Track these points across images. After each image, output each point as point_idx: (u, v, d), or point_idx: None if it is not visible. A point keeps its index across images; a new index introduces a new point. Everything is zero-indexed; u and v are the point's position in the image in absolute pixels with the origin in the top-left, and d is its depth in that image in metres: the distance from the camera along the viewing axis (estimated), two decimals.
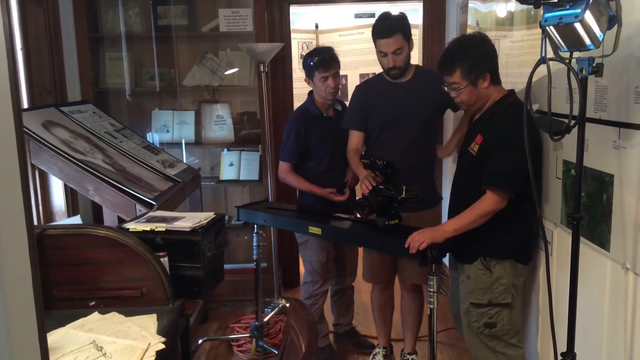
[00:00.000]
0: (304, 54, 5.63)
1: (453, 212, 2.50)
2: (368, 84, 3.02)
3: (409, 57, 2.76)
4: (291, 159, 3.09)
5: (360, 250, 3.32)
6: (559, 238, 2.20)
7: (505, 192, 2.17)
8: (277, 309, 3.62)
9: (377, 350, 3.17)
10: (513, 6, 2.67)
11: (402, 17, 2.74)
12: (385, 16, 2.73)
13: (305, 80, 3.11)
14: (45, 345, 0.74)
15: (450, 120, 3.60)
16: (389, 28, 2.66)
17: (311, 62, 3.00)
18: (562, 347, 1.79)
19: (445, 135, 3.62)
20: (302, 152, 3.08)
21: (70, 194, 3.22)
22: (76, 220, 3.12)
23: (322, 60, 2.98)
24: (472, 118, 2.46)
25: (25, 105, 3.23)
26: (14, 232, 0.67)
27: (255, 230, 3.03)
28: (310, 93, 3.14)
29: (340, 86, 3.20)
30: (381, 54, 2.73)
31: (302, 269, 4.44)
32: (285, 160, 3.10)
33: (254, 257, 3.07)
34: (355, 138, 2.89)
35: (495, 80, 2.30)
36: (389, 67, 2.73)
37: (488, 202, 2.19)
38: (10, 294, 0.66)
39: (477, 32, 2.87)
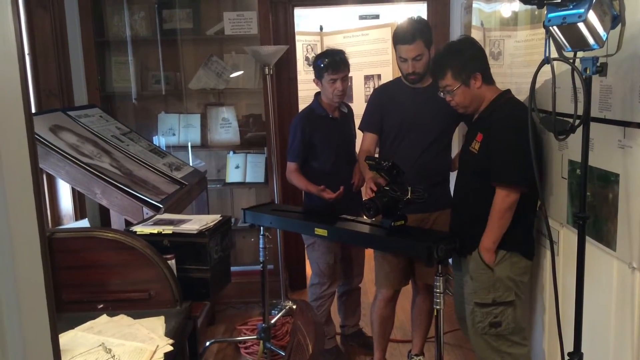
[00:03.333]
0: (309, 56, 5.69)
1: (457, 212, 2.51)
2: (386, 87, 3.02)
3: (429, 63, 2.71)
4: (296, 158, 3.11)
5: (368, 251, 3.33)
6: (565, 238, 2.20)
7: (513, 187, 2.19)
8: (284, 310, 3.63)
9: None
10: (517, 6, 2.67)
11: (424, 24, 2.74)
12: (408, 22, 2.71)
13: (313, 80, 3.13)
14: (57, 347, 0.75)
15: (456, 132, 3.59)
16: (410, 34, 2.64)
17: (321, 63, 3.01)
18: (569, 346, 1.79)
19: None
20: (307, 152, 3.10)
21: (78, 198, 3.24)
22: (84, 223, 3.14)
23: (333, 62, 2.98)
24: (471, 118, 2.48)
25: (32, 109, 3.25)
26: (27, 236, 0.68)
27: (262, 232, 3.04)
28: (317, 94, 3.15)
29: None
30: (401, 59, 2.71)
31: (308, 271, 4.45)
32: (291, 160, 3.13)
33: (261, 259, 3.08)
34: (367, 140, 2.89)
35: (488, 80, 2.34)
36: (408, 72, 2.72)
37: (500, 199, 2.22)
38: (23, 297, 0.67)
39: (463, 35, 2.92)
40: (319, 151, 3.10)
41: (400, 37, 2.67)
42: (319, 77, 3.05)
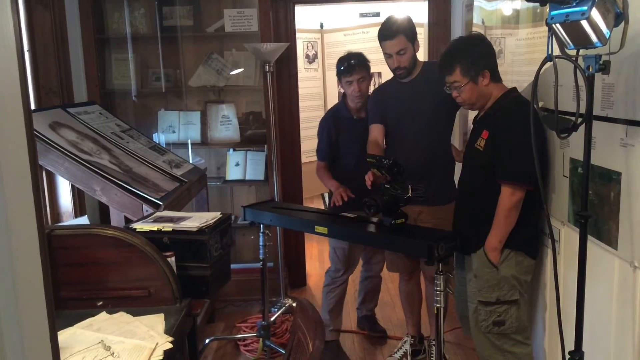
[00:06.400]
0: (309, 53, 5.68)
1: (461, 210, 2.50)
2: (382, 86, 3.15)
3: (414, 57, 2.81)
4: (323, 157, 3.23)
5: None
6: (566, 236, 2.19)
7: (517, 185, 2.19)
8: (283, 308, 3.62)
9: (405, 339, 3.24)
10: (519, 4, 2.67)
11: (406, 19, 2.81)
12: (389, 19, 2.82)
13: (337, 83, 3.25)
14: (56, 345, 0.74)
15: (456, 121, 3.59)
16: (391, 30, 2.75)
17: (340, 66, 3.11)
18: (570, 345, 1.78)
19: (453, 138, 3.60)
20: (334, 152, 3.20)
21: (78, 195, 3.23)
22: (83, 220, 3.13)
23: (347, 65, 3.07)
24: (475, 116, 2.47)
25: (32, 106, 3.25)
26: (25, 233, 0.68)
27: (262, 230, 3.03)
28: (344, 94, 3.23)
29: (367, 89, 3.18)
30: (387, 55, 2.81)
31: (308, 269, 4.48)
32: (320, 159, 3.25)
33: (261, 256, 3.07)
34: (375, 131, 2.96)
35: (495, 77, 2.33)
36: (394, 67, 2.80)
37: (506, 197, 2.22)
38: (21, 294, 0.67)
39: (475, 32, 2.92)
40: (343, 152, 3.18)
41: (382, 34, 2.78)
42: (339, 80, 3.16)
